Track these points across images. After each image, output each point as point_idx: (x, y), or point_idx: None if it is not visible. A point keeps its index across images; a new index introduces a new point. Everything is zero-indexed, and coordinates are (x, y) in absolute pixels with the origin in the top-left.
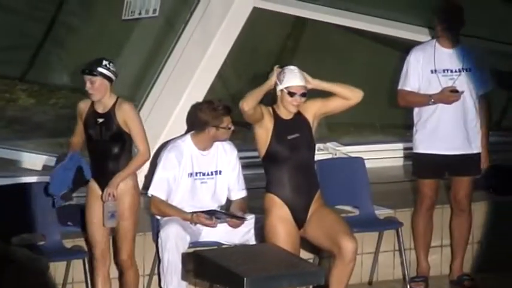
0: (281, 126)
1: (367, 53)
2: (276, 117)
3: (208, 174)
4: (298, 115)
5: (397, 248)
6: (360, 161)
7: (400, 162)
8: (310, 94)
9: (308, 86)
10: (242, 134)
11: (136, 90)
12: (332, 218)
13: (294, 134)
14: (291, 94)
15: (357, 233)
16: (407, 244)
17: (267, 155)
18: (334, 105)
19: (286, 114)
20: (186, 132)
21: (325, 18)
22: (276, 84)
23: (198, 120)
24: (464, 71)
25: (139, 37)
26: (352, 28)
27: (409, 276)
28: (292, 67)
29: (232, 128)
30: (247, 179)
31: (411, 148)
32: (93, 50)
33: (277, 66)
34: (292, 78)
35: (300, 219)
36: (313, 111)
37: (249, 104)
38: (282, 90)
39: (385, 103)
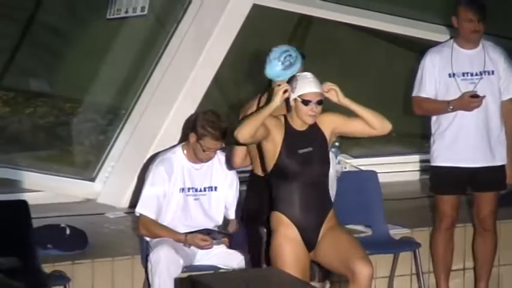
0: (292, 138)
1: (381, 54)
2: (288, 128)
3: (201, 190)
4: (314, 127)
5: (414, 271)
6: (372, 175)
7: (417, 176)
8: (329, 107)
9: (334, 100)
10: None
11: (123, 97)
12: (346, 239)
13: (307, 148)
14: (306, 102)
15: (370, 255)
16: (426, 267)
17: (274, 170)
18: (355, 127)
19: (300, 124)
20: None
21: (333, 16)
22: (288, 95)
23: (188, 124)
24: (486, 73)
25: (126, 38)
26: (363, 27)
27: None
28: (305, 73)
29: (213, 153)
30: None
31: (429, 161)
32: (75, 53)
33: (279, 83)
34: (306, 84)
35: (310, 241)
36: (331, 125)
37: (244, 135)
38: (295, 100)
39: (400, 110)
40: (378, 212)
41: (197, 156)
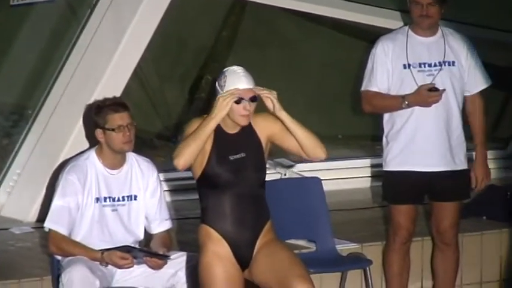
0: (223, 142)
1: (324, 44)
2: (218, 131)
3: (119, 200)
4: (248, 129)
5: None
6: (316, 182)
7: (367, 183)
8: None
9: (273, 111)
10: (165, 150)
11: (29, 95)
12: (284, 256)
13: (239, 154)
14: (238, 101)
15: (314, 274)
16: (378, 287)
17: (202, 178)
18: (290, 144)
19: (231, 126)
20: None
21: (268, 0)
22: (216, 92)
23: (90, 126)
24: (447, 64)
25: (32, 27)
26: (303, 13)
27: None
28: (234, 67)
29: (127, 130)
30: (173, 207)
31: (381, 165)
32: None
33: (221, 95)
34: (237, 80)
35: (243, 258)
36: (267, 131)
37: (185, 164)
38: None
39: (347, 108)
40: (323, 225)
41: (116, 149)
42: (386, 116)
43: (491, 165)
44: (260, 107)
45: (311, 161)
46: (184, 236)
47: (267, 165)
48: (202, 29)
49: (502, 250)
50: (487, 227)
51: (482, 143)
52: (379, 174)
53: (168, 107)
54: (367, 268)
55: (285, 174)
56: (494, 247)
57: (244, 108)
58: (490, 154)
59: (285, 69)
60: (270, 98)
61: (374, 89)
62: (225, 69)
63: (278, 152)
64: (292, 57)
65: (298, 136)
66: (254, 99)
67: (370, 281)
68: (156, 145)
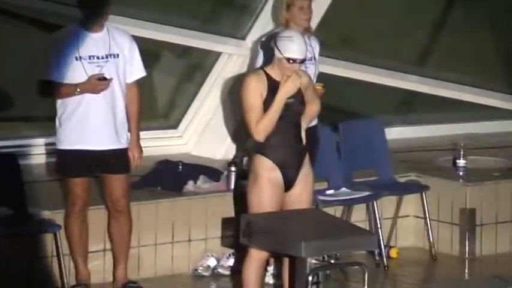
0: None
1: (19, 36)
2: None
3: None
4: None
5: (55, 253)
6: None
7: (43, 159)
8: None
9: None
10: None
11: None
12: None
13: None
14: None
15: None
16: (66, 249)
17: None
18: None
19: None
20: None
21: None
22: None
23: None
24: (112, 57)
25: None
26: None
27: (69, 285)
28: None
29: None
30: None
31: (55, 143)
32: None
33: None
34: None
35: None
36: None
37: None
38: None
39: (26, 92)
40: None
41: None
42: (59, 101)
43: (163, 142)
44: None
45: None
46: None
47: None
48: None
49: (174, 216)
50: (161, 196)
51: (137, 126)
52: (54, 151)
53: None
54: (57, 232)
55: None
56: (168, 213)
57: None
58: (163, 133)
59: None
60: None
61: (50, 78)
62: None
63: None
64: None
65: None
66: None
67: (59, 243)
68: None
